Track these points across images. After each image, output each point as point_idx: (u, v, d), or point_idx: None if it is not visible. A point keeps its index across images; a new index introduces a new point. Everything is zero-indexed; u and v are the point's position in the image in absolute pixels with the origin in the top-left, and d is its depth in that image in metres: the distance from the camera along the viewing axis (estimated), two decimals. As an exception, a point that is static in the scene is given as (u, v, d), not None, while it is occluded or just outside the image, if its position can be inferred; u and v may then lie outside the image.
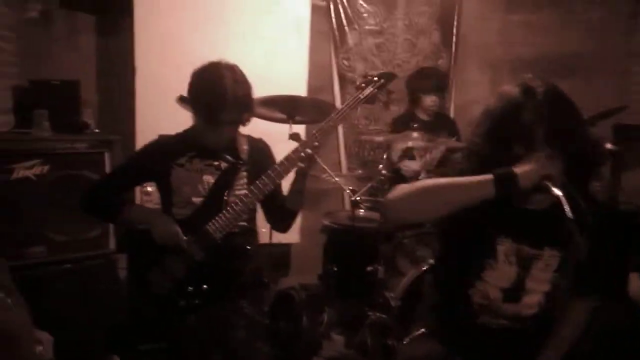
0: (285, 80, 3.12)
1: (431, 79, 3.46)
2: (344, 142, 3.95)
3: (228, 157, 1.96)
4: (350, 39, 3.84)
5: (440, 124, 3.46)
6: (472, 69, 4.11)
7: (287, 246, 3.65)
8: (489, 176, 1.32)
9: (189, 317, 1.86)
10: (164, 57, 3.05)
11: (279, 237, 2.62)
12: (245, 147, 2.02)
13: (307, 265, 3.36)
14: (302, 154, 1.87)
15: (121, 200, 1.98)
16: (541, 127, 1.32)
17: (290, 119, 2.62)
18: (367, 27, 3.87)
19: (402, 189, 1.42)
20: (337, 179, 2.82)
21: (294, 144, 1.95)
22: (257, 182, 1.87)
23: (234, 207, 1.87)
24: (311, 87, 3.46)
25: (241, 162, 1.97)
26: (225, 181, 1.94)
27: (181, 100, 2.55)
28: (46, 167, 2.38)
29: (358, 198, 2.75)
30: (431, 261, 2.49)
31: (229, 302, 1.90)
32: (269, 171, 1.88)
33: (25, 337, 1.44)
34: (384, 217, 1.99)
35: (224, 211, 1.87)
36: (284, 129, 2.52)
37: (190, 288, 1.86)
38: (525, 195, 1.36)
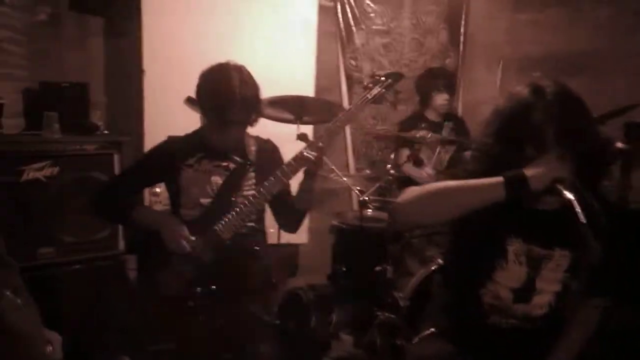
0: (293, 81, 3.12)
1: (442, 78, 3.45)
2: (351, 142, 3.94)
3: (236, 157, 1.96)
4: (357, 39, 3.84)
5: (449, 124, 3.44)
6: (480, 68, 4.09)
7: (295, 247, 3.64)
8: (499, 179, 1.31)
9: (198, 317, 1.86)
10: (171, 58, 3.06)
11: (287, 238, 2.63)
12: (253, 147, 2.02)
13: (316, 266, 3.36)
14: (310, 155, 1.88)
15: (131, 202, 1.99)
16: (551, 127, 1.31)
17: (298, 120, 2.62)
18: (374, 27, 3.86)
19: (412, 192, 1.42)
20: (345, 179, 2.81)
21: (301, 145, 1.96)
22: (265, 182, 1.88)
23: (242, 207, 1.87)
24: (318, 88, 3.47)
25: (249, 162, 1.98)
26: (234, 182, 1.95)
27: (189, 101, 2.56)
28: (56, 169, 2.39)
29: (366, 198, 2.75)
30: (440, 261, 2.49)
31: (237, 302, 1.90)
32: (277, 172, 1.88)
33: (35, 337, 1.45)
34: (394, 220, 1.99)
35: (232, 212, 1.87)
36: (292, 129, 2.53)
37: (199, 289, 1.86)
38: (535, 197, 1.35)
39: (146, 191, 2.89)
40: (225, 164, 1.97)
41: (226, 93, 1.81)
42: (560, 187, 1.28)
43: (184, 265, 1.86)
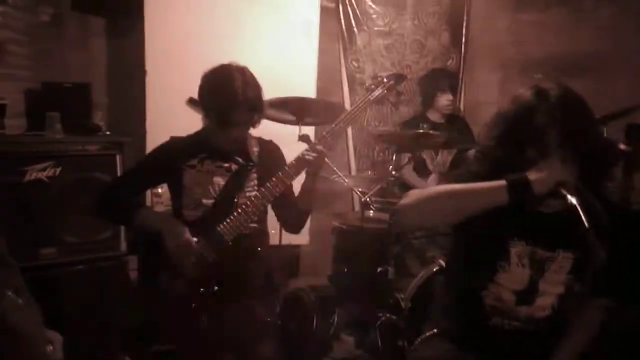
0: (295, 82, 3.12)
1: (446, 78, 3.45)
2: (353, 143, 3.94)
3: (238, 158, 1.96)
4: (359, 40, 3.84)
5: (453, 125, 3.43)
6: (482, 69, 4.09)
7: (296, 248, 3.65)
8: (502, 182, 1.31)
9: (200, 318, 1.86)
10: (174, 59, 3.06)
11: (288, 239, 2.63)
12: (255, 148, 2.02)
13: (317, 267, 3.36)
14: (312, 156, 1.88)
15: (133, 203, 1.99)
16: (554, 129, 1.31)
17: (300, 121, 2.62)
18: (376, 28, 3.86)
19: (414, 195, 1.42)
20: (346, 180, 2.81)
21: (303, 146, 1.96)
22: (268, 183, 1.88)
23: (245, 208, 1.87)
24: (320, 89, 3.47)
25: (251, 163, 1.98)
26: (236, 183, 1.95)
27: (191, 102, 2.57)
28: (58, 169, 2.39)
29: (368, 199, 2.75)
30: (441, 262, 2.48)
31: (239, 303, 1.90)
32: (279, 173, 1.88)
33: (36, 337, 1.45)
34: (397, 223, 2.00)
35: (235, 213, 1.87)
36: (294, 130, 2.53)
37: (201, 289, 1.86)
38: (539, 200, 1.35)
39: (148, 192, 2.89)
40: (227, 165, 1.97)
41: (229, 94, 1.81)
42: (563, 190, 1.28)
43: (186, 266, 1.86)
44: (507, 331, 1.51)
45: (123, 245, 2.60)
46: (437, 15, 3.97)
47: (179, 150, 1.98)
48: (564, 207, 1.29)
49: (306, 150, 1.91)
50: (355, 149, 3.95)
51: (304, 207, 2.04)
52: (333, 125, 1.94)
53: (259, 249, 2.00)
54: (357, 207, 3.66)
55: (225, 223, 1.86)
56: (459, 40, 4.04)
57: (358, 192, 2.82)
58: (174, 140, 2.05)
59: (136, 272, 2.24)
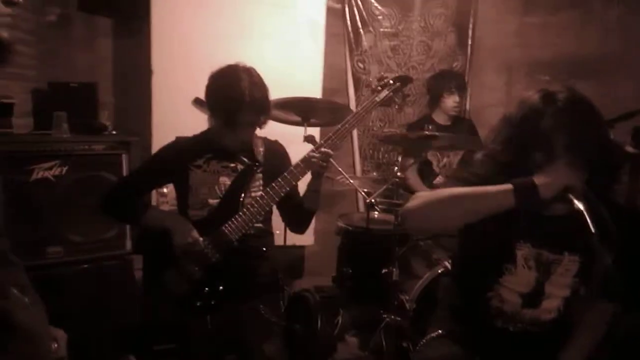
0: (301, 83, 3.12)
1: (454, 80, 3.43)
2: (358, 144, 3.94)
3: (244, 159, 1.97)
4: (365, 42, 3.83)
5: (459, 127, 3.42)
6: (488, 71, 4.08)
7: (301, 248, 3.65)
8: (509, 186, 1.30)
9: (205, 317, 1.87)
10: (180, 59, 3.07)
11: (293, 239, 2.63)
12: (261, 149, 2.03)
13: (322, 268, 3.36)
14: (317, 157, 1.88)
15: (140, 202, 1.99)
16: (562, 134, 1.31)
17: (306, 122, 2.62)
18: (382, 30, 3.86)
19: (421, 197, 1.41)
20: (351, 181, 2.81)
21: (308, 146, 1.96)
22: (273, 184, 1.88)
23: (250, 208, 1.88)
24: (326, 90, 3.47)
25: (257, 164, 1.98)
26: (242, 183, 1.95)
27: (197, 102, 2.57)
28: (65, 168, 2.40)
29: (373, 200, 2.74)
30: (447, 264, 2.48)
31: (244, 303, 1.91)
32: (285, 173, 1.89)
33: (41, 335, 1.45)
34: (403, 226, 1.99)
35: (240, 213, 1.87)
36: (299, 131, 2.53)
37: (206, 289, 1.87)
38: (545, 205, 1.34)
39: (154, 192, 2.90)
40: (233, 165, 1.98)
41: (236, 95, 1.82)
42: (570, 195, 1.27)
43: (191, 265, 1.87)
44: (513, 333, 1.51)
45: (128, 245, 2.60)
46: (444, 16, 3.96)
47: (185, 150, 1.99)
48: (571, 210, 1.28)
49: (312, 151, 1.92)
50: (360, 150, 3.95)
51: (309, 208, 2.04)
52: (339, 127, 1.94)
53: (264, 249, 2.00)
54: (362, 208, 3.66)
55: (230, 223, 1.87)
56: (465, 42, 4.02)
57: (363, 193, 2.82)
58: (179, 140, 2.05)
59: (141, 272, 2.25)
